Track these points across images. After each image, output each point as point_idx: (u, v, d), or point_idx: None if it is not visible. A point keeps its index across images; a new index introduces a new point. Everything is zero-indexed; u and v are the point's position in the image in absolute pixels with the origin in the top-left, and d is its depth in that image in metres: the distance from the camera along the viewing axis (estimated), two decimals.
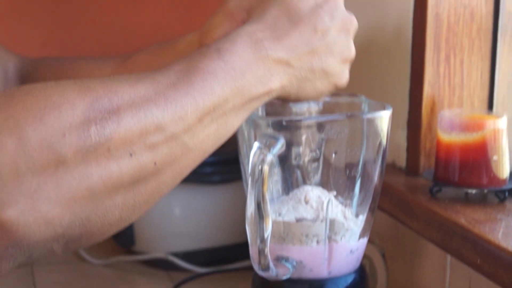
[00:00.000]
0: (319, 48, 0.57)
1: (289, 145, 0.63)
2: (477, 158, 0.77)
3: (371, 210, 0.68)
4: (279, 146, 0.60)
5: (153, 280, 1.05)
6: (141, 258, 1.09)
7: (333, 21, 0.58)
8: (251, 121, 0.63)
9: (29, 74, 0.83)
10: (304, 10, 0.57)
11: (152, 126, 0.46)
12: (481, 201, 0.78)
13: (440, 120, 0.79)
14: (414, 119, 0.88)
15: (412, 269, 0.87)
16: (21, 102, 0.43)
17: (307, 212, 0.65)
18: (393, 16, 0.92)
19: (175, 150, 0.48)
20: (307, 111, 0.68)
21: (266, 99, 0.55)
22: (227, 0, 0.68)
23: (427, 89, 0.85)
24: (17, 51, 0.85)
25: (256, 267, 0.63)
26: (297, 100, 0.59)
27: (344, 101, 0.71)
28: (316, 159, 0.66)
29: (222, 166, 1.07)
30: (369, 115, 0.66)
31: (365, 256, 0.74)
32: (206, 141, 0.50)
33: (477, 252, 0.68)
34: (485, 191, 0.78)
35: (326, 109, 0.66)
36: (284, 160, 0.65)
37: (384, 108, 0.66)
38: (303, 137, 0.64)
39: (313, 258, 0.66)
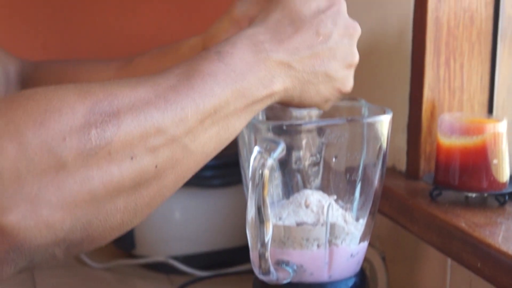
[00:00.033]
0: (321, 52, 0.57)
1: (289, 149, 0.63)
2: (477, 161, 0.77)
3: (372, 214, 0.68)
4: (280, 150, 0.60)
5: (154, 284, 1.05)
6: (141, 261, 1.09)
7: (336, 26, 0.58)
8: (252, 126, 0.63)
9: (30, 77, 0.83)
10: (306, 14, 0.57)
11: (152, 128, 0.46)
12: (481, 204, 0.78)
13: (440, 123, 0.79)
14: (414, 123, 0.88)
15: (412, 273, 0.87)
16: (21, 106, 0.43)
17: (307, 216, 0.65)
18: (393, 20, 0.92)
19: (176, 153, 0.48)
20: (307, 116, 0.68)
21: (268, 102, 0.55)
22: (233, 6, 0.68)
23: (427, 93, 0.85)
24: (17, 54, 0.85)
25: (256, 271, 0.63)
26: (301, 105, 0.58)
27: (344, 105, 0.71)
28: (316, 163, 0.66)
29: (223, 170, 1.07)
30: (369, 120, 0.66)
31: (366, 260, 0.75)
32: (208, 144, 0.50)
33: (477, 256, 0.68)
34: (485, 194, 0.78)
35: (326, 114, 0.66)
36: (284, 164, 0.65)
37: (384, 112, 0.66)
38: (304, 142, 0.65)
39: (313, 262, 0.66)
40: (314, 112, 0.68)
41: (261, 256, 0.61)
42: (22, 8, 1.31)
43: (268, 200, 0.60)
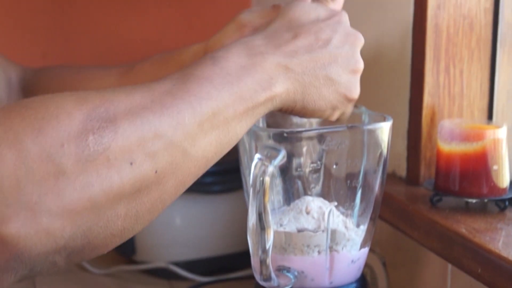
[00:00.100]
0: (321, 56, 0.56)
1: (290, 156, 0.63)
2: (477, 167, 0.77)
3: (372, 220, 0.68)
4: (280, 157, 0.60)
5: None
6: (142, 267, 1.09)
7: (336, 33, 0.57)
8: (252, 133, 0.63)
9: (31, 84, 0.83)
10: (305, 22, 0.57)
11: (150, 133, 0.46)
12: (481, 210, 0.78)
13: (440, 130, 0.80)
14: (414, 129, 0.88)
15: (413, 278, 0.87)
16: (19, 114, 0.43)
17: (308, 223, 0.66)
18: (393, 27, 0.92)
19: (175, 157, 0.47)
20: (308, 122, 0.69)
21: (270, 105, 0.54)
22: (239, 14, 0.68)
23: (427, 99, 0.85)
24: (17, 62, 0.85)
25: (257, 277, 0.63)
26: (305, 110, 0.57)
27: None
28: (317, 170, 0.66)
29: (223, 176, 1.07)
30: (370, 127, 0.66)
31: (366, 265, 0.75)
32: (208, 148, 0.50)
33: (477, 262, 0.68)
34: (486, 200, 0.78)
35: (326, 121, 0.66)
36: (285, 171, 0.65)
37: (384, 119, 0.66)
38: (304, 149, 0.65)
39: (314, 268, 0.66)
40: (315, 119, 0.68)
41: (262, 262, 0.61)
42: (22, 16, 1.31)
43: (269, 207, 0.60)
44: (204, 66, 0.51)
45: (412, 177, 0.89)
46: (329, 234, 0.65)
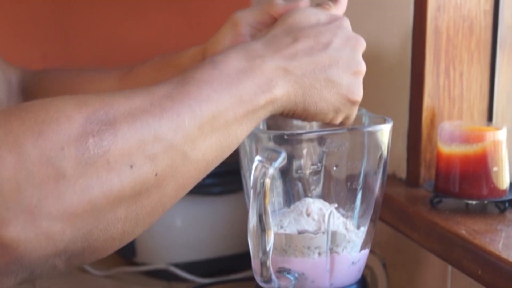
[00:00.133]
0: (321, 59, 0.56)
1: (290, 158, 0.63)
2: (477, 169, 0.77)
3: (373, 222, 0.68)
4: (281, 159, 0.60)
5: None
6: (142, 269, 1.09)
7: (336, 37, 0.57)
8: (253, 135, 0.63)
9: (31, 86, 0.83)
10: (305, 27, 0.57)
11: (150, 136, 0.46)
12: (481, 212, 0.78)
13: (440, 132, 0.80)
14: (414, 131, 0.88)
15: (413, 280, 0.87)
16: (19, 118, 0.43)
17: (308, 225, 0.66)
18: (393, 29, 0.92)
19: (175, 160, 0.47)
20: (308, 125, 0.69)
21: (270, 108, 0.54)
22: (231, 15, 0.68)
23: (427, 101, 0.85)
24: (17, 63, 0.85)
25: (258, 279, 0.63)
26: (306, 113, 0.57)
27: None
28: (317, 172, 0.66)
29: (223, 178, 1.07)
30: (370, 129, 0.66)
31: (366, 266, 0.75)
32: (209, 151, 0.50)
33: (477, 263, 0.68)
34: (486, 202, 0.78)
35: (331, 125, 0.66)
36: (285, 173, 0.66)
37: (384, 121, 0.67)
38: (304, 151, 0.65)
39: (315, 270, 0.66)
40: (315, 122, 0.68)
41: (263, 264, 0.61)
42: (22, 18, 1.31)
43: (269, 209, 0.60)
44: (204, 70, 0.51)
45: (412, 179, 0.89)
46: (330, 236, 0.65)
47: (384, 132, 0.66)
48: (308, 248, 0.66)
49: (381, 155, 0.66)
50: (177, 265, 1.07)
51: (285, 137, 0.62)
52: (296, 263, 0.66)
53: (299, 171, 0.66)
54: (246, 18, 0.67)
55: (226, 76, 0.51)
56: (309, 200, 0.67)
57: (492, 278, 0.66)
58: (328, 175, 0.66)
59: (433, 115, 0.86)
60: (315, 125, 0.70)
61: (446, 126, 0.79)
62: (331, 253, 0.66)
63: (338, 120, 0.60)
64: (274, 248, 0.63)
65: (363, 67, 0.59)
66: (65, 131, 0.43)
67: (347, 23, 0.59)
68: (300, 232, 0.66)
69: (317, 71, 0.55)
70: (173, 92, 0.48)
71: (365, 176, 0.66)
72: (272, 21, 0.66)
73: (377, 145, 0.66)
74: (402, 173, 0.92)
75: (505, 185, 0.78)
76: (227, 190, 1.08)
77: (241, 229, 1.04)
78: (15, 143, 0.41)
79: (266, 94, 0.52)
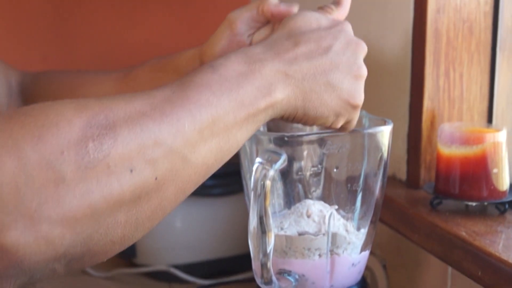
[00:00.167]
0: (322, 63, 0.56)
1: (290, 160, 0.63)
2: (477, 171, 0.77)
3: (373, 223, 0.68)
4: (281, 161, 0.60)
5: None
6: (142, 270, 1.09)
7: (337, 41, 0.57)
8: (253, 137, 0.63)
9: (30, 88, 0.83)
10: (306, 31, 0.57)
11: (149, 140, 0.46)
12: (481, 213, 0.78)
13: (440, 133, 0.80)
14: (414, 132, 0.88)
15: (413, 281, 0.88)
16: (19, 122, 0.43)
17: (309, 226, 0.66)
18: (393, 31, 0.92)
19: (175, 164, 0.47)
20: (309, 127, 0.69)
21: (271, 112, 0.53)
22: (227, 16, 0.68)
23: (427, 103, 0.86)
24: (17, 65, 0.85)
25: (258, 281, 0.63)
26: (306, 117, 0.56)
27: None
28: (317, 174, 0.66)
29: (223, 179, 1.07)
30: (370, 130, 0.66)
31: (367, 268, 0.75)
32: (209, 155, 0.49)
33: (477, 264, 0.68)
34: (486, 203, 0.78)
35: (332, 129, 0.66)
36: (286, 174, 0.66)
37: (385, 123, 0.67)
38: (305, 152, 0.65)
39: (315, 271, 0.66)
40: None
41: (263, 266, 0.62)
42: (21, 20, 1.31)
43: (270, 210, 0.60)
44: (203, 74, 0.51)
45: (412, 180, 0.89)
46: (330, 237, 0.66)
47: (384, 133, 0.66)
48: (309, 249, 0.66)
49: (381, 157, 0.66)
50: (177, 267, 1.07)
51: (286, 139, 0.62)
52: (297, 265, 0.66)
53: (299, 173, 0.66)
54: (241, 17, 0.67)
55: (226, 80, 0.51)
56: (309, 201, 0.67)
57: (492, 279, 0.66)
58: (328, 177, 0.66)
59: (433, 117, 0.86)
60: (315, 127, 0.70)
61: (446, 128, 0.80)
62: (331, 254, 0.66)
63: (339, 124, 0.59)
64: (275, 249, 0.63)
65: (364, 71, 0.59)
66: (65, 135, 0.43)
67: (348, 27, 0.59)
68: (300, 234, 0.66)
69: (317, 75, 0.55)
70: (173, 96, 0.48)
71: (365, 177, 0.66)
72: (266, 19, 0.66)
73: (377, 147, 0.66)
74: (402, 174, 0.92)
75: (505, 186, 0.78)
76: (228, 192, 1.08)
77: (242, 231, 1.04)
78: (15, 147, 0.41)
79: (266, 97, 0.52)
